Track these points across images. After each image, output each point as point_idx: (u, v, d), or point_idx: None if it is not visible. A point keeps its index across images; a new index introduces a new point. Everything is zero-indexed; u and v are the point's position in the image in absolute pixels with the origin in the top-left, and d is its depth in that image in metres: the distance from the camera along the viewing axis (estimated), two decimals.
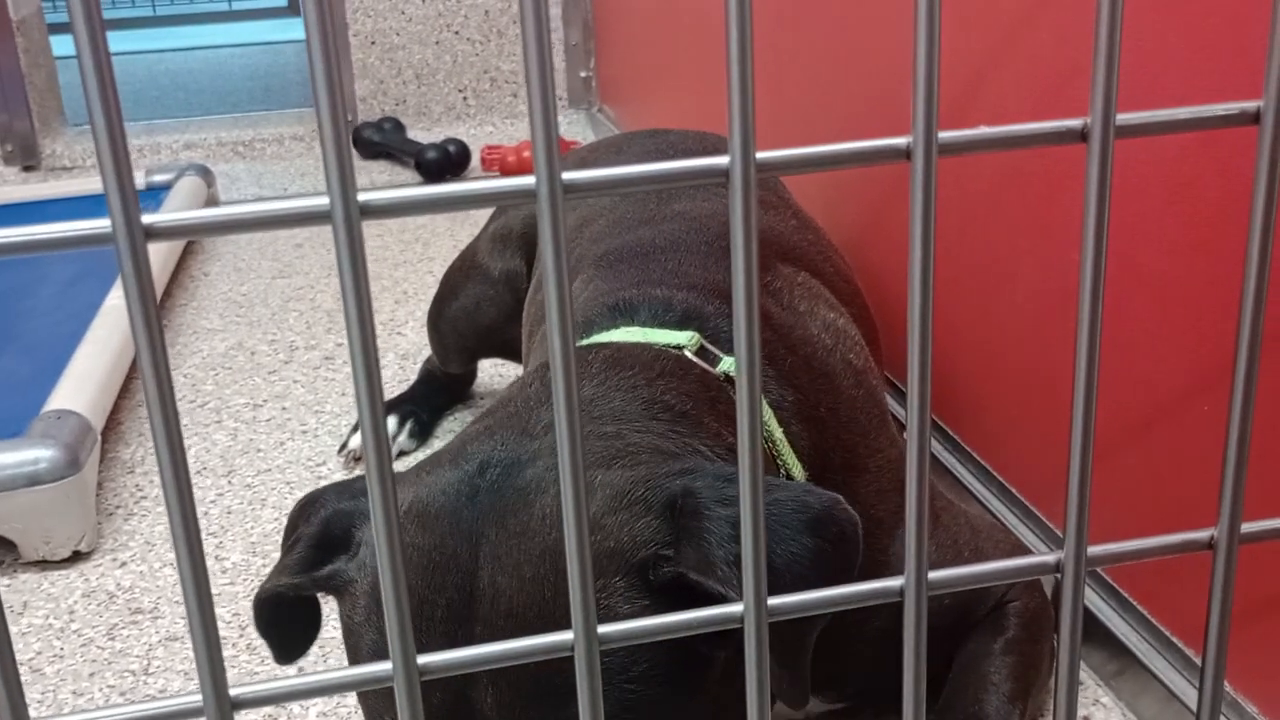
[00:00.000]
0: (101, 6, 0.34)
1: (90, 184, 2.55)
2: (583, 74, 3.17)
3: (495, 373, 1.77)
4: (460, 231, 2.41)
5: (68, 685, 1.18)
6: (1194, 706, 0.60)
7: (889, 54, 1.42)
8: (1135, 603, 1.05)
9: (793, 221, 1.25)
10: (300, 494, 1.48)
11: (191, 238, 0.38)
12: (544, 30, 0.37)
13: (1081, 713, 1.06)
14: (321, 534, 0.76)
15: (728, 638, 0.66)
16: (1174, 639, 1.01)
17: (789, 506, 0.69)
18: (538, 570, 0.68)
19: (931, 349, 0.43)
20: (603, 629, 0.43)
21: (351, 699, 1.09)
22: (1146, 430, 1.01)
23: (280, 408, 1.73)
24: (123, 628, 1.27)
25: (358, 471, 1.53)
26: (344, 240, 0.37)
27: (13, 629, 1.27)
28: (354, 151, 2.94)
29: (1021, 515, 1.22)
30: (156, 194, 2.37)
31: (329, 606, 0.80)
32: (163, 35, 4.95)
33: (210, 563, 1.36)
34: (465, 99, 3.18)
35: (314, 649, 0.83)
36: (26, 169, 2.98)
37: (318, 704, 1.12)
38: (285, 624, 0.79)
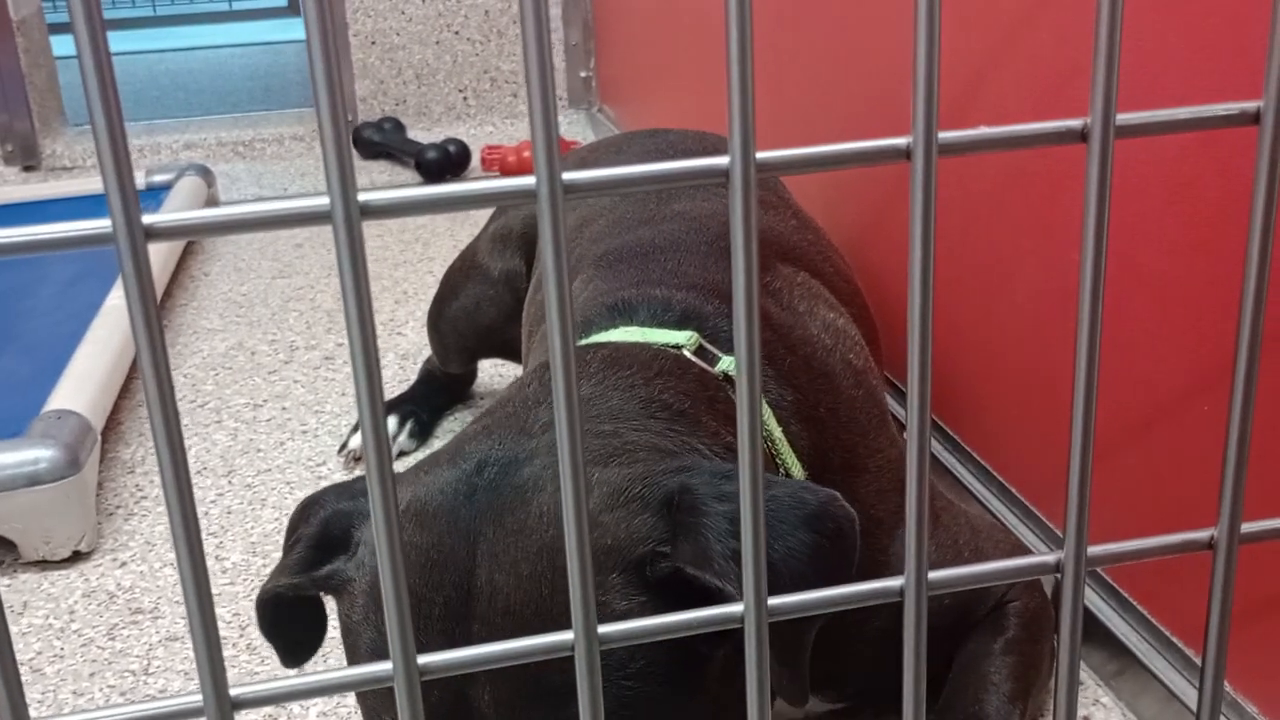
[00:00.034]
0: (102, 6, 0.34)
1: (90, 184, 2.55)
2: (583, 74, 3.17)
3: (495, 373, 1.77)
4: (460, 231, 2.41)
5: (68, 685, 1.18)
6: (1194, 706, 0.60)
7: (889, 54, 1.42)
8: (1135, 603, 1.05)
9: (793, 221, 1.25)
10: (300, 494, 1.49)
11: (192, 238, 0.38)
12: (544, 30, 0.37)
13: (1081, 713, 1.06)
14: (320, 534, 0.76)
15: (726, 635, 0.66)
16: (1174, 639, 1.01)
17: (786, 502, 0.69)
18: (535, 568, 0.68)
19: (931, 349, 0.43)
20: (603, 629, 0.43)
21: (351, 699, 1.09)
22: (1146, 430, 1.01)
23: (280, 408, 1.73)
24: (123, 628, 1.27)
25: (358, 472, 1.53)
26: (344, 240, 0.37)
27: (13, 629, 1.27)
28: (354, 151, 2.94)
29: (1021, 515, 1.22)
30: (156, 194, 2.37)
31: (333, 609, 0.80)
32: (163, 35, 4.95)
33: (210, 563, 1.36)
34: (465, 99, 3.18)
35: None
36: (26, 169, 2.98)
37: (318, 704, 1.12)
38: (289, 626, 0.80)
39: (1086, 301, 0.44)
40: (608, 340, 0.94)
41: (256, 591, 0.84)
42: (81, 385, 1.53)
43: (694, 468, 0.72)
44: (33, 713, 0.93)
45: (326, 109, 0.36)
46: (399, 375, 1.78)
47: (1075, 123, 0.42)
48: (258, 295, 2.17)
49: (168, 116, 3.36)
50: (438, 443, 1.61)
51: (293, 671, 0.94)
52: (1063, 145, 0.43)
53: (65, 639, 1.26)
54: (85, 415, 1.45)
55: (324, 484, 1.50)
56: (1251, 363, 0.47)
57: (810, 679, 0.72)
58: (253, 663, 1.20)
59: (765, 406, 0.90)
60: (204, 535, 1.40)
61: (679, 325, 0.95)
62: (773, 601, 0.44)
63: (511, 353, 1.54)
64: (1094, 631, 1.07)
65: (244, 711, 0.42)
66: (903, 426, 1.19)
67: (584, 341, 0.95)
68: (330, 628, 0.81)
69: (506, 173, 2.78)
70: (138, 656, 1.22)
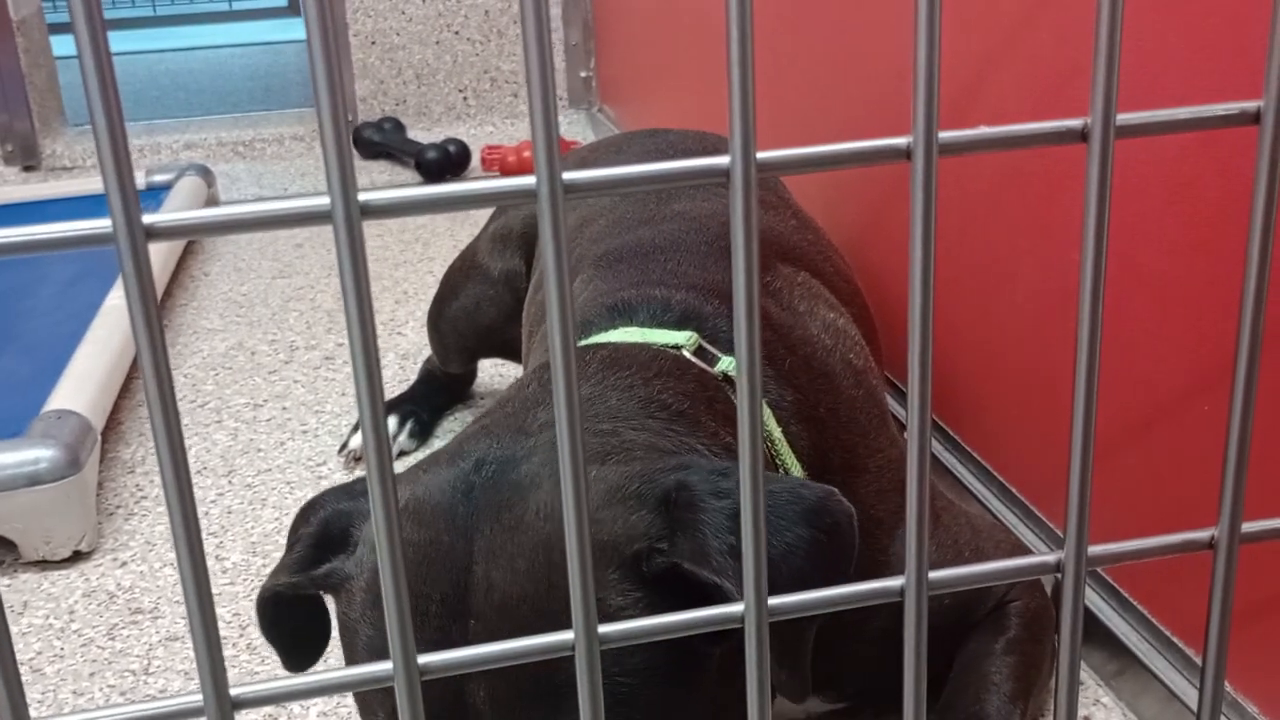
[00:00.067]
0: (102, 6, 0.34)
1: (90, 184, 2.55)
2: (583, 74, 3.17)
3: (495, 373, 1.77)
4: (460, 231, 2.41)
5: (68, 685, 1.18)
6: (1194, 706, 0.60)
7: (889, 54, 1.42)
8: (1135, 603, 1.05)
9: (793, 221, 1.25)
10: (301, 494, 1.49)
11: (192, 238, 0.38)
12: (544, 30, 0.37)
13: (1082, 713, 1.06)
14: (320, 534, 0.76)
15: (726, 633, 0.66)
16: (1174, 639, 1.01)
17: (783, 498, 0.69)
18: (531, 564, 0.68)
19: (931, 349, 0.43)
20: (603, 629, 0.43)
21: (351, 699, 1.09)
22: (1146, 430, 1.01)
23: (280, 408, 1.73)
24: (123, 628, 1.27)
25: (358, 472, 1.53)
26: (344, 240, 0.37)
27: (13, 629, 1.27)
28: (354, 151, 2.94)
29: (1021, 515, 1.22)
30: (157, 194, 2.37)
31: (334, 609, 0.80)
32: (163, 35, 4.95)
33: (210, 563, 1.36)
34: (465, 99, 3.18)
35: None
36: (27, 169, 2.99)
37: (318, 704, 1.12)
38: (289, 627, 0.80)
39: (1087, 301, 0.44)
40: (607, 341, 0.94)
41: (256, 591, 0.84)
42: (81, 385, 1.53)
43: (692, 465, 0.72)
44: (33, 713, 0.93)
45: (327, 109, 0.36)
46: (399, 375, 1.78)
47: (1075, 123, 0.42)
48: (258, 295, 2.17)
49: (168, 116, 3.36)
50: (438, 443, 1.61)
51: None
52: (1063, 145, 0.43)
53: (65, 639, 1.26)
54: (85, 415, 1.45)
55: (324, 484, 1.50)
56: (1252, 363, 0.47)
57: (810, 677, 0.72)
58: (253, 663, 1.20)
59: (765, 407, 0.90)
60: (204, 535, 1.40)
61: (678, 326, 0.95)
62: (773, 601, 0.44)
63: (511, 353, 1.54)
64: (1094, 631, 1.07)
65: (244, 711, 0.42)
66: (903, 426, 1.19)
67: (584, 342, 0.95)
68: (332, 629, 0.81)
69: (506, 173, 2.78)
70: (138, 656, 1.22)
